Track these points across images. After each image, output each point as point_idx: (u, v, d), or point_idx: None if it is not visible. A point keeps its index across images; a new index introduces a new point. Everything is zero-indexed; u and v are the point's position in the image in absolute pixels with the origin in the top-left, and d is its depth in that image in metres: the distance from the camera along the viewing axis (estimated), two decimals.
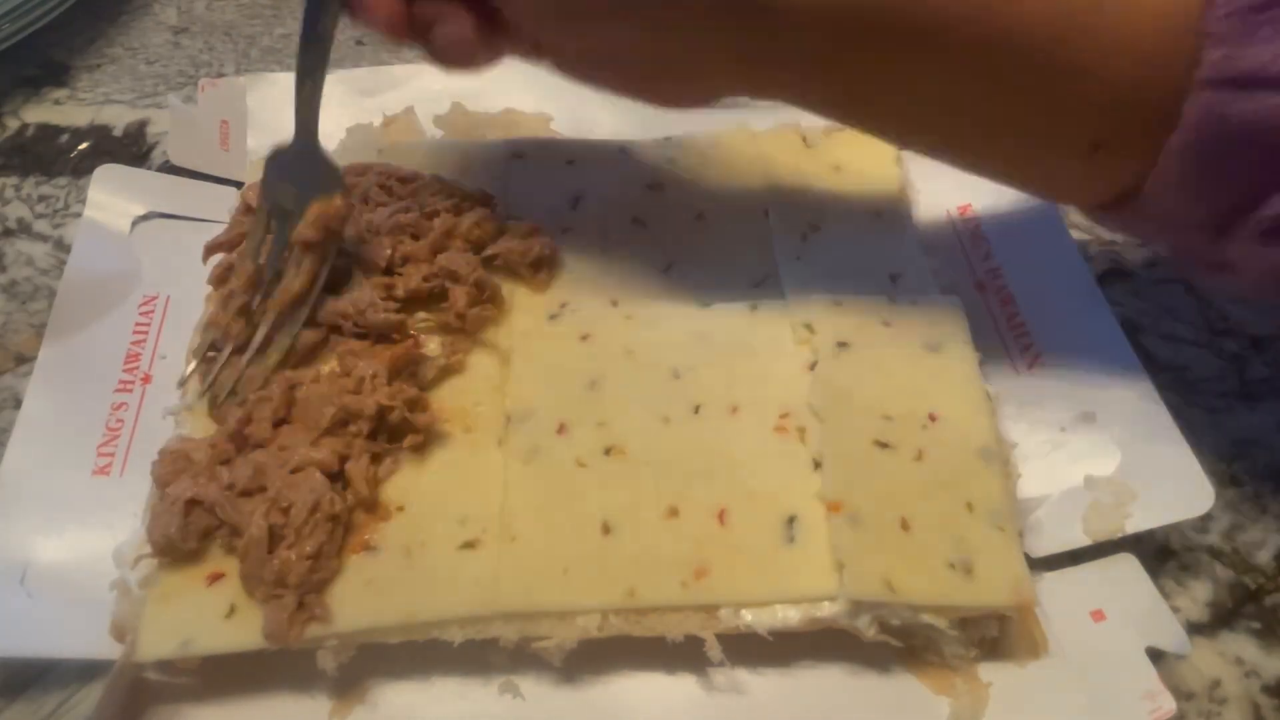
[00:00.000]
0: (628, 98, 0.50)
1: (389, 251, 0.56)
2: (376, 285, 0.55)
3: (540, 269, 0.58)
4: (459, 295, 0.55)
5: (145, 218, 0.66)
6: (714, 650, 0.45)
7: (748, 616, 0.46)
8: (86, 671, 0.48)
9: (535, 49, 0.50)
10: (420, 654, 0.47)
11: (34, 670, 0.48)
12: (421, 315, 0.56)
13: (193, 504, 0.47)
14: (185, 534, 0.46)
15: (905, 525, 0.47)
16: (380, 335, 0.54)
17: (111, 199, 0.65)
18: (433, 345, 0.54)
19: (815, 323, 0.55)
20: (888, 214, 0.61)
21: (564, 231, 0.61)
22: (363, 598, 0.46)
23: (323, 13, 0.49)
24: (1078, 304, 0.58)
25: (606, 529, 0.48)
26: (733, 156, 0.64)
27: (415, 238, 0.57)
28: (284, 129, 0.71)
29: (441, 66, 0.50)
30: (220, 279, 0.57)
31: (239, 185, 0.65)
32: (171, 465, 0.49)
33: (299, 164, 0.53)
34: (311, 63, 0.52)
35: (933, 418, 0.51)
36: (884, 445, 0.50)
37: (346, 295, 0.54)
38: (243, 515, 0.46)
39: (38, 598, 0.49)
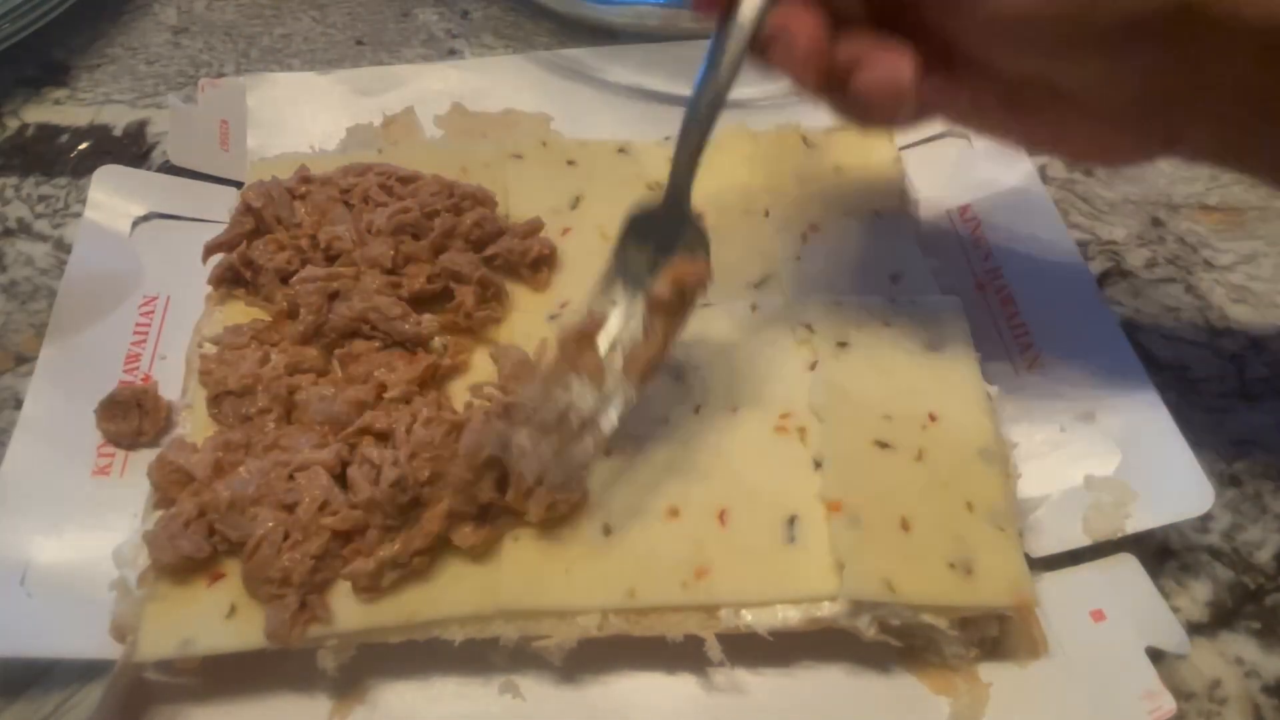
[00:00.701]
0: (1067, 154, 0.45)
1: (391, 251, 0.56)
2: (383, 287, 0.55)
3: (540, 269, 0.58)
4: (466, 295, 0.55)
5: (145, 218, 0.66)
6: (714, 650, 0.46)
7: (748, 616, 0.46)
8: (86, 671, 0.48)
9: (996, 98, 0.43)
10: (420, 654, 0.47)
11: (34, 670, 0.48)
12: (427, 316, 0.56)
13: (193, 524, 0.47)
14: (186, 563, 0.46)
15: (905, 525, 0.47)
16: (396, 342, 0.54)
17: (111, 199, 0.65)
18: (435, 345, 0.54)
19: (815, 323, 0.55)
20: (888, 214, 0.61)
21: (564, 232, 0.61)
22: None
23: (724, 51, 0.40)
24: (1078, 304, 0.58)
25: (607, 529, 0.48)
26: (733, 156, 0.64)
27: (416, 238, 0.57)
28: (284, 129, 0.72)
29: (857, 120, 0.43)
30: (220, 279, 0.57)
31: (239, 185, 0.65)
32: (171, 477, 0.49)
33: (663, 225, 0.47)
34: (704, 113, 0.43)
35: (933, 418, 0.51)
36: (884, 445, 0.50)
37: (365, 300, 0.54)
38: (244, 529, 0.46)
39: (38, 598, 0.49)
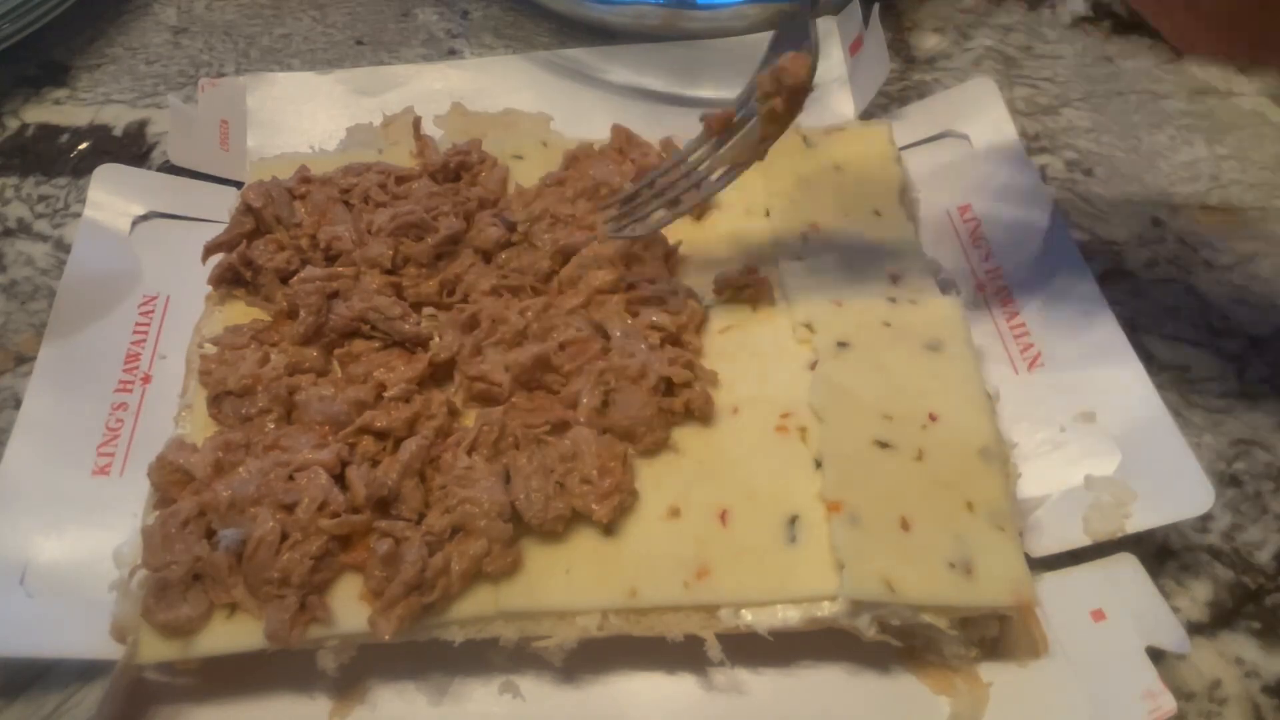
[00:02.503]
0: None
1: (390, 251, 0.57)
2: (383, 287, 0.55)
3: (549, 280, 0.58)
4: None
5: (145, 218, 0.66)
6: (714, 650, 0.46)
7: (748, 616, 0.46)
8: (86, 671, 0.48)
9: None
10: (420, 654, 0.47)
11: (34, 670, 0.48)
12: (429, 311, 0.56)
13: (192, 523, 0.47)
14: (178, 574, 0.46)
15: (905, 525, 0.47)
16: (396, 342, 0.54)
17: (111, 199, 0.65)
18: (435, 343, 0.54)
19: (815, 323, 0.55)
20: (888, 214, 0.61)
21: None
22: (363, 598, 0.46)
23: None
24: (1078, 304, 0.58)
25: (608, 529, 0.48)
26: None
27: (418, 239, 0.57)
28: (284, 129, 0.72)
29: None
30: (220, 279, 0.57)
31: (239, 185, 0.65)
32: (171, 477, 0.49)
33: (788, 31, 0.51)
34: None
35: (933, 418, 0.51)
36: (884, 445, 0.50)
37: (364, 300, 0.54)
38: (244, 527, 0.46)
39: (38, 598, 0.49)
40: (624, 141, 0.62)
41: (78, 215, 0.65)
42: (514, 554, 0.46)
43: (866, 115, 0.71)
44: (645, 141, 0.62)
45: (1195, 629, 0.49)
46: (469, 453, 0.49)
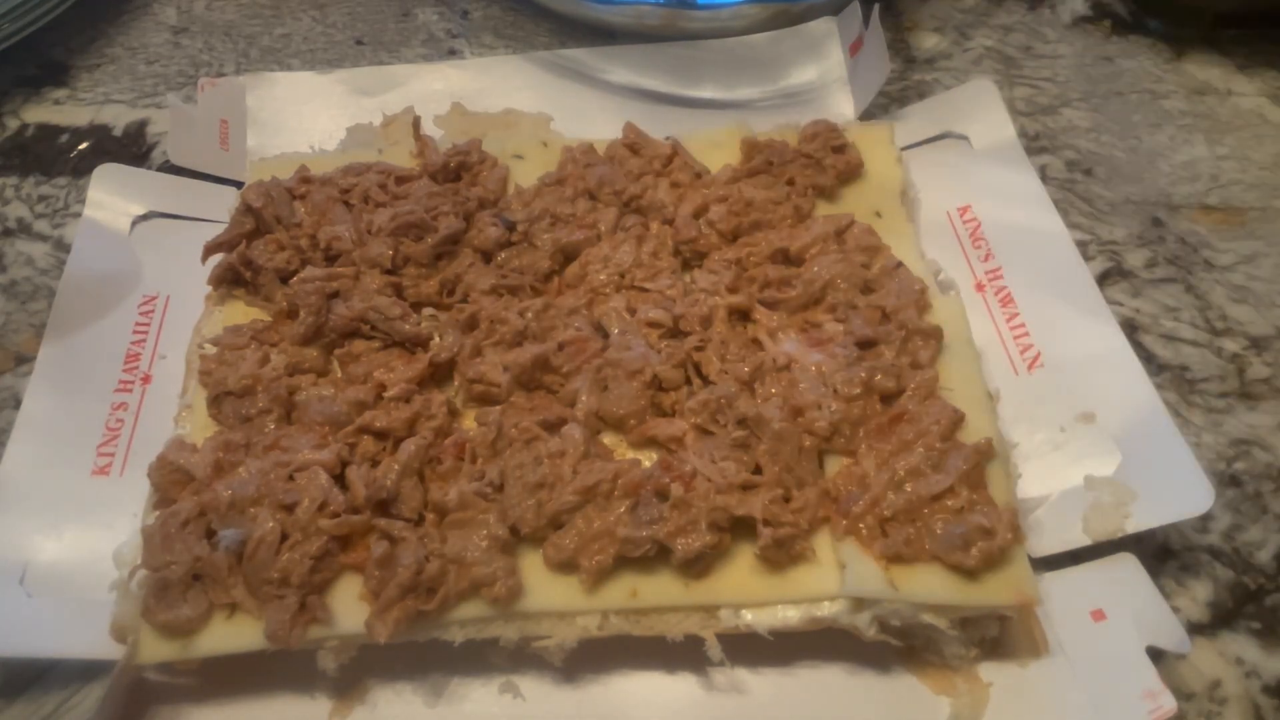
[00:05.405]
0: None
1: (390, 251, 0.56)
2: (383, 287, 0.55)
3: (549, 280, 0.58)
4: None
5: (145, 217, 0.66)
6: (714, 650, 0.46)
7: (748, 616, 0.46)
8: (86, 671, 0.48)
9: None
10: (420, 654, 0.47)
11: (34, 670, 0.48)
12: (429, 311, 0.56)
13: (192, 524, 0.47)
14: (178, 574, 0.46)
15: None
16: (396, 342, 0.54)
17: (111, 199, 0.65)
18: (435, 343, 0.54)
19: None
20: (888, 214, 0.61)
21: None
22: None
23: None
24: (1078, 304, 0.58)
25: None
26: (733, 156, 0.64)
27: (418, 239, 0.57)
28: (284, 129, 0.72)
29: None
30: (220, 279, 0.57)
31: (239, 185, 0.65)
32: (171, 477, 0.49)
33: None
34: None
35: None
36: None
37: (365, 300, 0.54)
38: (244, 527, 0.46)
39: (38, 598, 0.49)
40: (635, 138, 0.62)
41: (78, 215, 0.65)
42: (516, 580, 0.46)
43: (866, 115, 0.71)
44: (656, 140, 0.63)
45: (1195, 629, 0.49)
46: (470, 458, 0.49)
